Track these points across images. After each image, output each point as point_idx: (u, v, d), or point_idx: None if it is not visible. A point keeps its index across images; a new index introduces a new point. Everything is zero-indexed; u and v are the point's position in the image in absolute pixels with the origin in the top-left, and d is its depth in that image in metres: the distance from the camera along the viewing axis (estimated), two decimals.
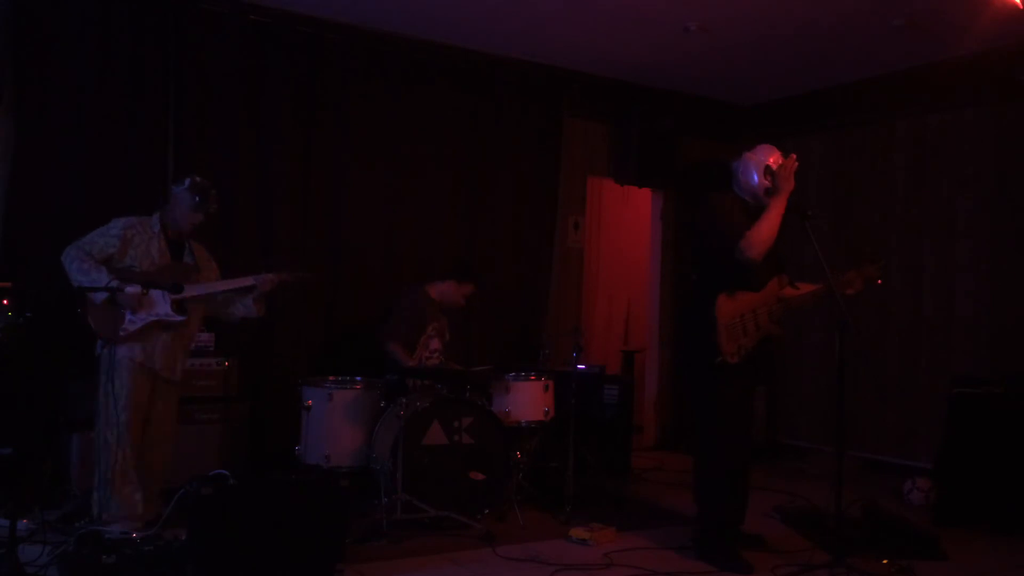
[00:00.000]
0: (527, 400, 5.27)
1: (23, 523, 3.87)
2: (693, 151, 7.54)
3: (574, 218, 7.25)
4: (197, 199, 4.34)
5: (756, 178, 4.27)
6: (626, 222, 8.41)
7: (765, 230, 4.16)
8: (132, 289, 4.00)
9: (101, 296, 4.10)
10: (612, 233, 8.35)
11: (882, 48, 6.18)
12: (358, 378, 5.05)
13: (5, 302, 4.56)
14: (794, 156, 4.28)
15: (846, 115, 7.11)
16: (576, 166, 7.20)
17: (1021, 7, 5.04)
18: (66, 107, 5.17)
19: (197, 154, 5.54)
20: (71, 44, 5.18)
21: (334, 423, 4.87)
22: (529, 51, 6.58)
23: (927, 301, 6.54)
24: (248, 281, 4.47)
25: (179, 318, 4.30)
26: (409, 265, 6.07)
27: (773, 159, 4.28)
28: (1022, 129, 6.04)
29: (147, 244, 4.31)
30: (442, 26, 6.06)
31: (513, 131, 6.73)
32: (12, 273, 4.69)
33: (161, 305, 4.25)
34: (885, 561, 4.15)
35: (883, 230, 6.79)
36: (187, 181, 4.39)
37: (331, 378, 5.01)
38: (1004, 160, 6.14)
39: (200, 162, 5.53)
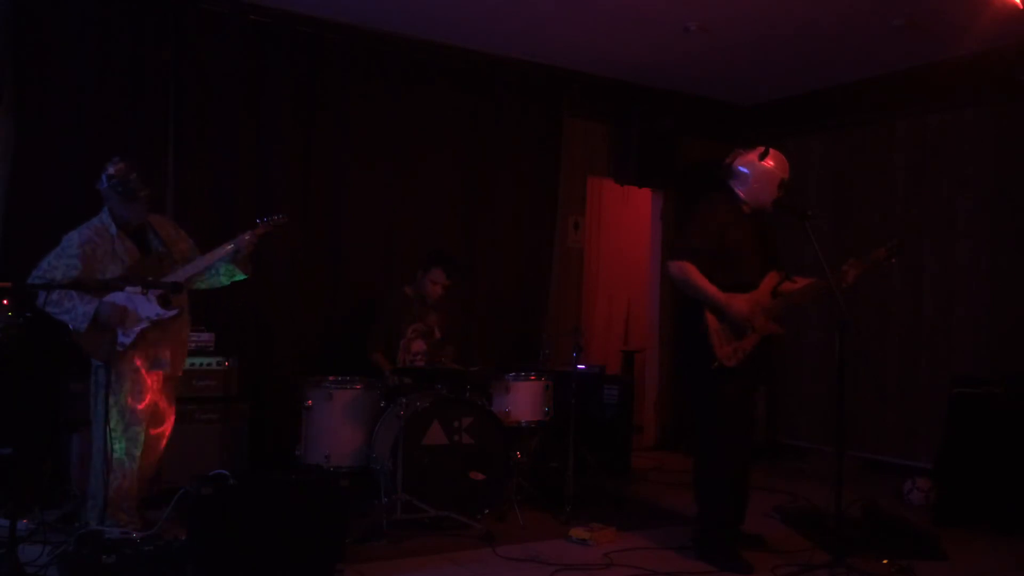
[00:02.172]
0: (527, 400, 5.27)
1: (23, 523, 3.86)
2: (693, 151, 7.54)
3: (574, 218, 7.25)
4: (121, 191, 4.08)
5: (772, 192, 4.31)
6: (626, 222, 8.41)
7: (693, 288, 4.19)
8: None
9: (85, 323, 4.00)
10: (612, 233, 8.34)
11: (882, 48, 6.18)
12: (358, 378, 5.05)
13: (5, 302, 4.55)
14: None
15: (846, 115, 7.11)
16: (576, 166, 7.20)
17: (1021, 7, 5.04)
18: (66, 107, 5.17)
19: (197, 154, 5.54)
20: (71, 44, 5.18)
21: (334, 423, 4.87)
22: (529, 51, 6.58)
23: (927, 301, 6.54)
24: (229, 247, 4.31)
25: (171, 313, 4.18)
26: (409, 265, 6.06)
27: (787, 174, 4.33)
28: (1022, 129, 6.03)
29: (111, 250, 4.12)
30: (442, 26, 6.06)
31: (513, 131, 6.73)
32: (12, 273, 4.68)
33: (148, 308, 4.11)
34: (885, 561, 4.15)
35: (883, 230, 6.77)
36: (103, 178, 4.10)
37: (331, 378, 5.00)
38: (1004, 160, 6.13)
39: (200, 162, 5.54)
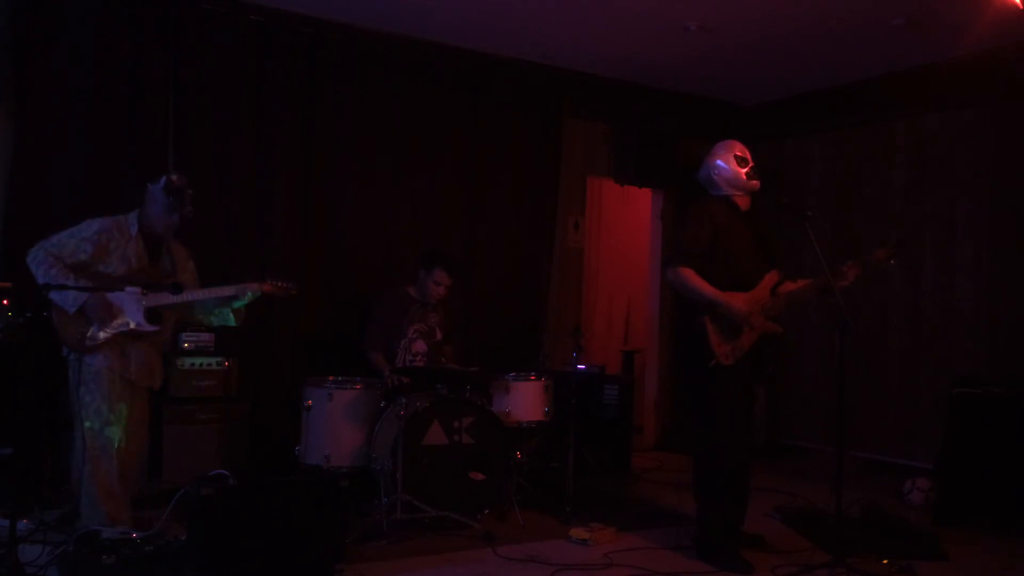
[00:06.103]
0: (527, 400, 5.26)
1: (23, 523, 3.87)
2: (693, 151, 7.51)
3: (574, 218, 7.25)
4: (170, 200, 4.15)
5: (732, 168, 4.37)
6: (626, 222, 8.41)
7: (692, 291, 4.21)
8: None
9: (74, 307, 4.00)
10: (612, 233, 8.35)
11: (882, 48, 6.18)
12: (358, 378, 5.05)
13: (5, 302, 4.56)
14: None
15: (846, 115, 7.10)
16: (576, 166, 7.19)
17: (1021, 7, 5.04)
18: (66, 108, 5.17)
19: (197, 155, 5.53)
20: (71, 44, 5.17)
21: (334, 423, 4.86)
22: (529, 51, 6.57)
23: (927, 301, 6.53)
24: (229, 291, 4.29)
25: (153, 328, 4.16)
26: (409, 266, 6.06)
27: (738, 149, 4.41)
28: (1022, 129, 6.03)
29: (124, 248, 4.16)
30: (442, 26, 6.06)
31: (513, 131, 6.73)
32: (12, 273, 4.69)
33: (133, 315, 4.10)
34: (885, 561, 4.15)
35: (883, 230, 6.78)
36: (163, 180, 4.18)
37: (331, 378, 5.00)
38: (1004, 160, 6.13)
39: (200, 163, 5.53)
